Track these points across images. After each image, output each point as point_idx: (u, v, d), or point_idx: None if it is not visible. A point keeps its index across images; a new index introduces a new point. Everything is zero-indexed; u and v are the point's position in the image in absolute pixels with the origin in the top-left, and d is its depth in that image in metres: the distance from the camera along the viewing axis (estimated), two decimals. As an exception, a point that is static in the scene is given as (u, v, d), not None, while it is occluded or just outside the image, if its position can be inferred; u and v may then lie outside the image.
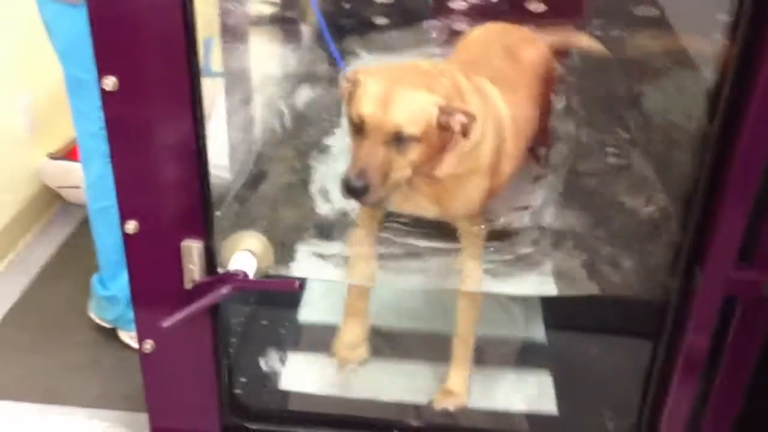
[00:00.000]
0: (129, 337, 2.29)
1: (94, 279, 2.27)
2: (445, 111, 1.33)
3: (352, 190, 1.29)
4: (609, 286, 1.51)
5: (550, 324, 1.87)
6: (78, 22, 1.93)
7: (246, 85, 2.06)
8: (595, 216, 1.66)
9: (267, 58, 2.27)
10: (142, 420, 2.02)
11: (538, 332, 1.86)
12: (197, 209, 1.27)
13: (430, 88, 1.35)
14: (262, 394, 1.70)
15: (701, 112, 1.16)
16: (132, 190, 1.27)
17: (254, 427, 1.50)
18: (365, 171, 1.28)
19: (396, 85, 1.32)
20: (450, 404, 1.65)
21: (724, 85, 1.08)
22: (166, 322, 1.26)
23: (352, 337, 1.70)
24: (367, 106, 1.31)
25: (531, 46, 1.83)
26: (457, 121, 1.34)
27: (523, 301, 1.91)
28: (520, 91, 1.69)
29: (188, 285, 1.31)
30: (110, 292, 2.22)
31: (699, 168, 1.15)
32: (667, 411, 1.33)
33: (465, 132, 1.35)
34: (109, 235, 2.16)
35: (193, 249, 1.28)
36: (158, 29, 1.14)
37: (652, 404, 1.37)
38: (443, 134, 1.35)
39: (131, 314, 2.20)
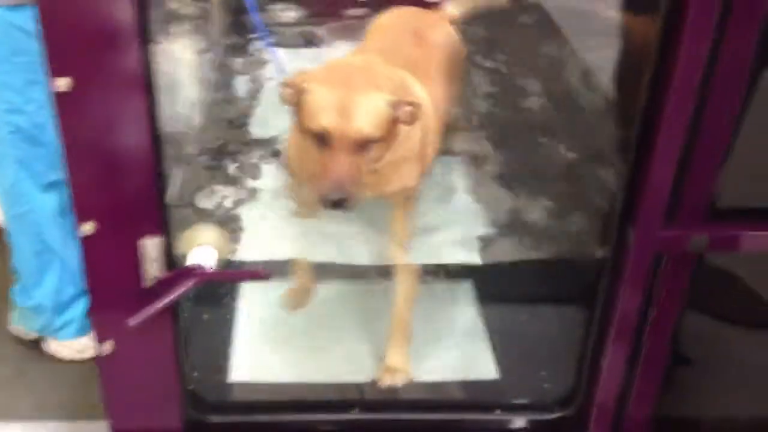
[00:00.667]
0: (58, 345, 2.22)
1: (15, 291, 2.19)
2: (395, 105, 1.39)
3: (334, 204, 1.32)
4: (548, 250, 1.63)
5: (489, 294, 1.96)
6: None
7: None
8: (528, 184, 1.79)
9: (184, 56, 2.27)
10: (82, 429, 2.01)
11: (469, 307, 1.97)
12: (154, 206, 1.28)
13: (377, 86, 1.40)
14: (215, 388, 1.71)
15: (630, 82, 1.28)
16: (88, 192, 1.26)
17: (215, 420, 1.53)
18: (341, 183, 1.32)
19: (349, 92, 1.36)
20: (396, 380, 1.73)
21: (651, 57, 1.20)
22: (133, 320, 1.27)
23: (299, 285, 1.81)
24: (328, 118, 1.34)
25: (438, 28, 1.94)
26: (406, 111, 1.41)
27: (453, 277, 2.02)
28: (433, 75, 1.78)
29: (149, 282, 1.32)
30: (35, 301, 2.15)
31: (628, 135, 1.27)
32: (603, 371, 1.46)
33: (412, 120, 1.42)
34: (27, 242, 2.10)
35: (151, 245, 1.29)
36: (111, 27, 1.14)
37: (590, 365, 1.49)
38: (395, 127, 1.42)
39: (58, 322, 2.18)
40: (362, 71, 1.47)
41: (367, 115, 1.35)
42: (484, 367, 1.79)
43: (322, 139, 1.36)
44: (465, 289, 1.97)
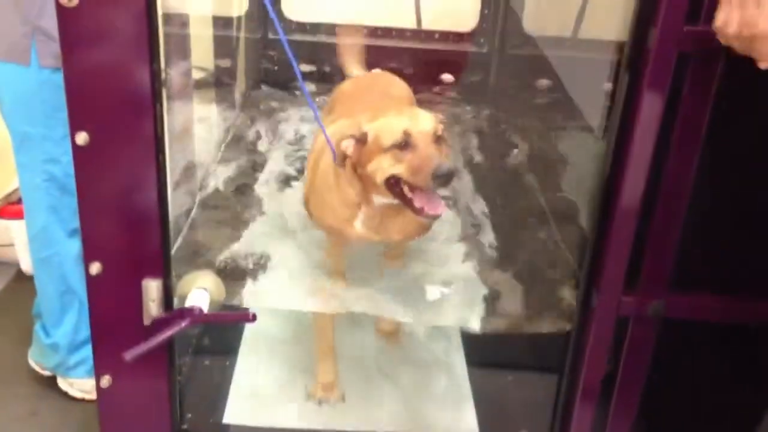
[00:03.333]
0: (68, 384, 2.34)
1: (37, 327, 2.32)
2: (437, 119, 1.61)
3: (446, 173, 1.46)
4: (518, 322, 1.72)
5: (471, 360, 2.05)
6: (28, 81, 2.06)
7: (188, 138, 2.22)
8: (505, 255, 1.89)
9: (203, 116, 2.44)
10: (87, 467, 2.09)
11: (459, 368, 2.04)
12: (157, 249, 1.40)
13: (422, 110, 1.65)
14: (208, 428, 1.80)
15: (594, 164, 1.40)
16: (97, 235, 1.39)
17: (205, 456, 1.62)
18: (441, 162, 1.48)
19: (406, 111, 1.63)
20: (330, 396, 1.87)
21: (609, 144, 1.32)
22: (129, 355, 1.37)
23: (328, 377, 1.89)
24: (406, 125, 1.54)
25: (396, 84, 2.14)
26: (442, 127, 1.61)
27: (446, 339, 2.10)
28: None
29: (147, 321, 1.43)
30: (53, 340, 2.28)
31: (590, 213, 1.38)
32: (573, 428, 1.52)
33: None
34: (51, 283, 2.24)
35: (152, 287, 1.41)
36: (127, 90, 1.29)
37: (562, 422, 1.56)
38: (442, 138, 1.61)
39: (71, 361, 2.30)
40: (392, 107, 1.71)
41: (427, 117, 1.59)
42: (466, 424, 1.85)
43: (407, 144, 1.53)
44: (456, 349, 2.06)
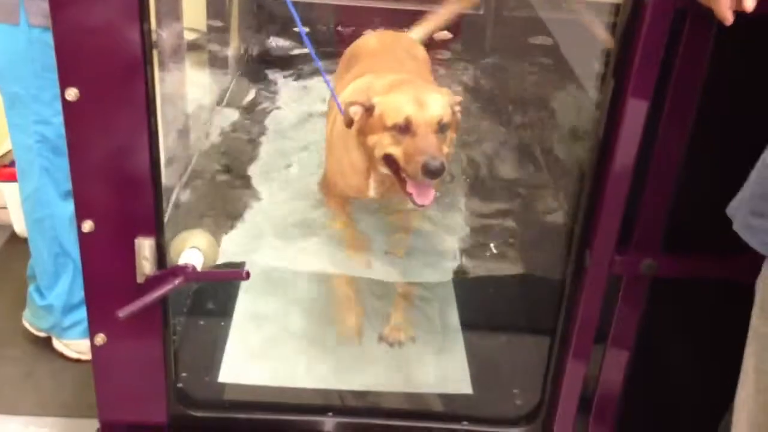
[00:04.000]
0: (63, 345, 2.35)
1: (32, 289, 2.32)
2: (451, 101, 1.62)
3: (435, 169, 1.48)
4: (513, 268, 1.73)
5: (467, 319, 2.07)
6: (17, 41, 2.04)
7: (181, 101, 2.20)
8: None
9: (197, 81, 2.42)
10: (80, 426, 2.11)
11: (454, 329, 2.06)
12: (150, 208, 1.40)
13: (437, 89, 1.66)
14: (203, 386, 1.81)
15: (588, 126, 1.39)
16: (89, 193, 1.39)
17: (199, 414, 1.62)
18: (435, 154, 1.50)
19: (417, 91, 1.59)
20: (401, 337, 1.88)
21: (603, 105, 1.31)
22: (122, 312, 1.37)
23: (352, 322, 1.90)
24: (410, 109, 1.55)
25: (414, 45, 2.14)
26: (456, 109, 1.63)
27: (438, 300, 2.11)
28: (427, 79, 2.01)
29: (141, 279, 1.43)
30: (47, 301, 2.28)
31: (584, 171, 1.38)
32: (563, 387, 1.54)
33: (459, 116, 1.66)
34: (45, 245, 2.23)
35: (145, 245, 1.41)
36: (116, 45, 1.27)
37: (552, 382, 1.58)
38: (454, 118, 1.64)
39: (66, 322, 2.31)
40: (411, 82, 1.70)
41: (437, 103, 1.58)
42: (460, 382, 1.87)
43: (406, 130, 1.55)
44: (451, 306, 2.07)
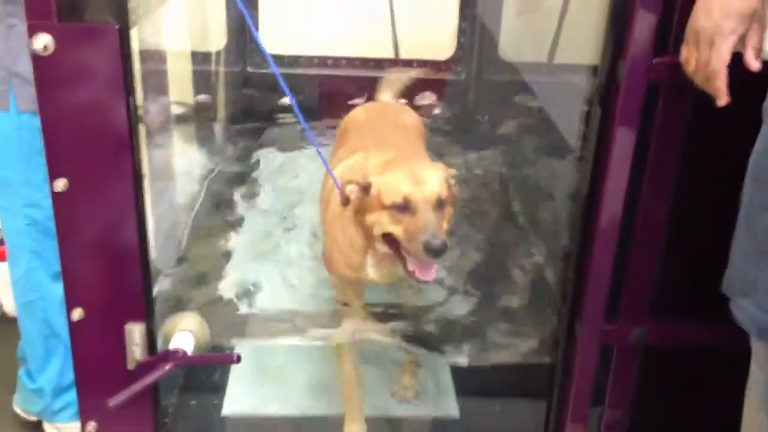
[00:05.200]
0: (55, 429, 2.31)
1: (22, 372, 2.30)
2: (446, 176, 1.62)
3: (437, 250, 1.48)
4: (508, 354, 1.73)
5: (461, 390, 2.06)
6: (7, 126, 2.06)
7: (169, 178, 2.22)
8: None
9: (185, 154, 2.45)
10: None
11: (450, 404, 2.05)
12: (139, 294, 1.40)
13: (433, 164, 1.66)
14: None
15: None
16: (78, 281, 1.39)
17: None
18: (436, 233, 1.49)
19: (414, 168, 1.60)
20: (409, 395, 1.95)
21: (584, 175, 1.34)
22: (113, 401, 1.36)
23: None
24: (408, 188, 1.55)
25: (405, 113, 2.15)
26: (452, 183, 1.63)
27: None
28: (422, 153, 2.01)
29: (131, 365, 1.42)
30: (37, 385, 2.25)
31: (570, 247, 1.40)
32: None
33: (455, 188, 1.66)
34: (35, 327, 2.22)
35: (135, 331, 1.40)
36: (104, 133, 1.29)
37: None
38: (450, 193, 1.63)
39: (57, 405, 2.28)
40: (406, 158, 1.71)
41: (435, 179, 1.58)
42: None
43: (405, 208, 1.55)
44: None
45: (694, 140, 1.31)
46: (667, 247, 1.33)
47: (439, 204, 1.56)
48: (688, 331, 1.40)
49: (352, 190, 1.63)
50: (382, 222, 1.58)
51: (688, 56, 1.16)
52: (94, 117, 1.28)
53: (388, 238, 1.59)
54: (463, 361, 1.75)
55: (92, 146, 1.29)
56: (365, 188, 1.61)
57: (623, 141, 1.27)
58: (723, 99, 1.15)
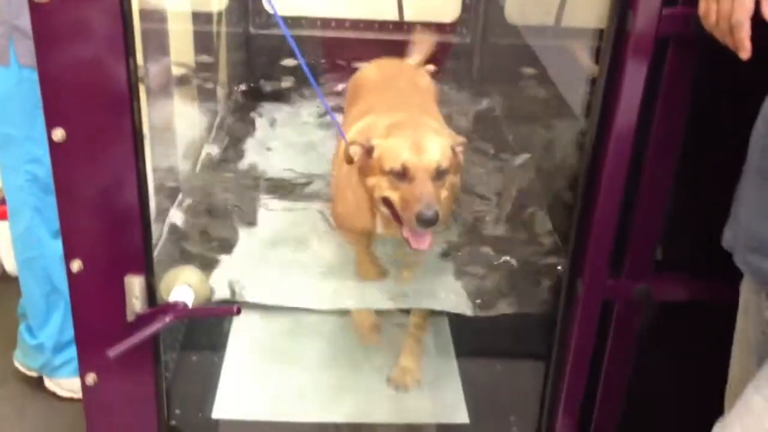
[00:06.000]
0: (55, 384, 2.32)
1: (22, 328, 2.31)
2: (452, 146, 1.60)
3: (428, 219, 1.46)
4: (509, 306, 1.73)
5: (462, 349, 2.06)
6: (8, 81, 2.04)
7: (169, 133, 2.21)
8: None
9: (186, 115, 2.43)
10: (73, 465, 2.08)
11: (449, 358, 2.05)
12: (139, 246, 1.39)
13: (436, 132, 1.63)
14: (196, 423, 1.79)
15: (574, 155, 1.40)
16: (77, 232, 1.38)
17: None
18: (430, 203, 1.48)
19: (417, 135, 1.57)
20: (407, 381, 1.88)
21: (590, 131, 1.32)
22: (112, 352, 1.36)
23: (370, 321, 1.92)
24: (407, 155, 1.53)
25: (418, 74, 2.13)
26: (459, 151, 1.61)
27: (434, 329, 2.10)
28: (434, 113, 1.97)
29: (131, 318, 1.42)
30: (38, 341, 2.27)
31: (573, 203, 1.39)
32: (560, 413, 1.53)
33: (462, 157, 1.64)
34: (36, 284, 2.22)
35: (135, 283, 1.40)
36: (103, 86, 1.27)
37: (549, 408, 1.57)
38: (456, 162, 1.61)
39: (57, 361, 2.29)
40: (412, 123, 1.68)
41: (436, 148, 1.55)
42: (457, 410, 1.86)
43: (403, 175, 1.53)
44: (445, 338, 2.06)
45: (702, 95, 1.29)
46: (672, 202, 1.31)
47: (439, 173, 1.54)
48: (691, 287, 1.39)
49: (356, 151, 1.62)
50: (382, 186, 1.58)
51: (708, 9, 1.13)
52: (93, 72, 1.26)
53: (387, 203, 1.59)
54: (468, 311, 1.72)
55: (91, 100, 1.28)
56: (368, 151, 1.60)
57: (631, 94, 1.25)
58: (747, 52, 1.13)
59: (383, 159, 1.56)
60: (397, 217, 1.58)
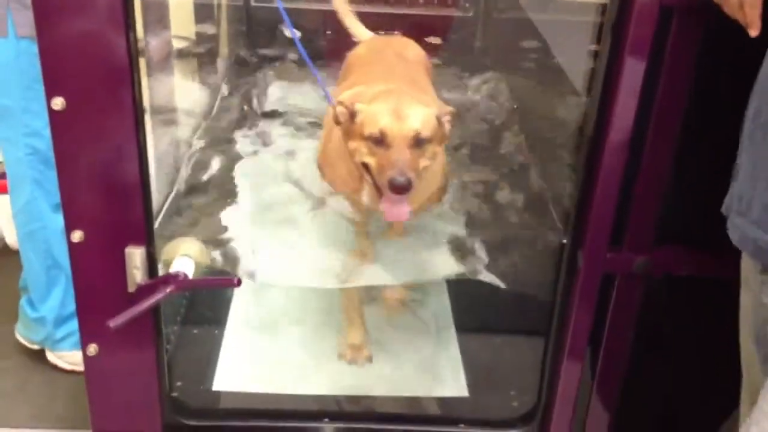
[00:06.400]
0: (56, 357, 2.34)
1: (23, 301, 2.31)
2: (438, 115, 1.59)
3: (399, 185, 1.46)
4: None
5: (462, 325, 2.07)
6: (6, 52, 2.03)
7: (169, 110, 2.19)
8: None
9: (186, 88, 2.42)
10: (76, 438, 2.10)
11: (449, 333, 2.05)
12: (140, 217, 1.39)
13: (421, 101, 1.62)
14: (198, 395, 1.80)
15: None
16: (78, 202, 1.38)
17: (193, 423, 1.61)
18: (404, 169, 1.47)
19: (400, 102, 1.57)
20: (359, 357, 1.89)
21: (593, 104, 1.31)
22: (113, 322, 1.36)
23: (357, 339, 1.92)
24: (385, 121, 1.53)
25: (410, 48, 2.14)
26: (446, 120, 1.60)
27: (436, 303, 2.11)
28: (426, 88, 1.97)
29: (132, 288, 1.42)
30: (39, 314, 2.27)
31: (575, 177, 1.38)
32: (559, 389, 1.53)
33: (450, 126, 1.63)
34: (37, 257, 2.22)
35: (136, 254, 1.40)
36: (102, 54, 1.27)
37: (549, 382, 1.57)
38: (441, 133, 1.60)
39: (58, 334, 2.30)
40: (398, 92, 1.67)
41: (417, 116, 1.55)
42: (456, 384, 1.86)
43: (381, 141, 1.53)
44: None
45: (706, 67, 1.27)
46: (674, 174, 1.31)
47: (417, 142, 1.53)
48: (691, 261, 1.39)
49: (342, 112, 1.62)
50: (361, 151, 1.58)
51: None
52: (93, 42, 1.25)
53: (366, 168, 1.59)
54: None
55: (90, 70, 1.27)
56: (352, 114, 1.60)
57: (634, 66, 1.24)
58: (756, 28, 1.11)
59: (364, 124, 1.56)
60: (376, 185, 1.57)
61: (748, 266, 1.18)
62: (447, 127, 1.63)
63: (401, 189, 1.46)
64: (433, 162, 1.63)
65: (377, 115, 1.55)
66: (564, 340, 1.47)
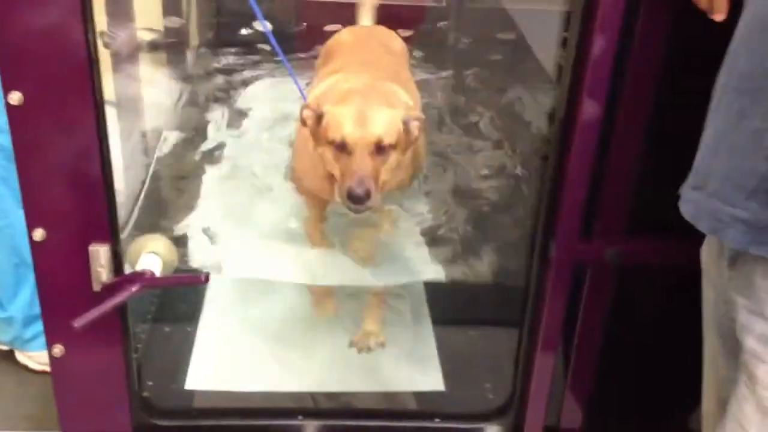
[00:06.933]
0: (26, 357, 2.29)
1: (-10, 303, 2.27)
2: (406, 120, 1.55)
3: (356, 197, 1.43)
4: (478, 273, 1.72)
5: (437, 318, 2.06)
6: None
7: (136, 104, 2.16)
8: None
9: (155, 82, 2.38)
10: (47, 438, 2.06)
11: (425, 326, 2.04)
12: (103, 214, 1.36)
13: (389, 104, 1.58)
14: (169, 394, 1.78)
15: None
16: (38, 200, 1.34)
17: (164, 423, 1.59)
18: (362, 180, 1.44)
19: (365, 107, 1.52)
20: (371, 343, 1.83)
21: (562, 94, 1.30)
22: (78, 322, 1.33)
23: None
24: (348, 128, 1.49)
25: (393, 38, 2.12)
26: (414, 126, 1.56)
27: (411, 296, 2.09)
28: (406, 77, 1.96)
29: (97, 287, 1.39)
30: (8, 314, 2.22)
31: (545, 167, 1.37)
32: (533, 381, 1.52)
33: (419, 132, 1.59)
34: (4, 256, 2.17)
35: (100, 252, 1.37)
36: (60, 46, 1.23)
37: (523, 374, 1.56)
38: (407, 138, 1.57)
39: (28, 334, 2.25)
40: (366, 92, 1.63)
41: (381, 123, 1.51)
42: (432, 378, 1.85)
43: (343, 148, 1.50)
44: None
45: (675, 55, 1.26)
46: (645, 163, 1.30)
47: (379, 149, 1.50)
48: (662, 250, 1.38)
49: (308, 116, 1.58)
50: (326, 156, 1.55)
51: None
52: (50, 34, 1.22)
53: (332, 177, 1.57)
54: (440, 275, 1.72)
55: (48, 63, 1.24)
56: (319, 117, 1.56)
57: (602, 53, 1.22)
58: (723, 13, 1.10)
59: (328, 128, 1.53)
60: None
61: (708, 257, 1.16)
62: (414, 132, 1.59)
63: (359, 200, 1.44)
64: (398, 169, 1.59)
65: (340, 120, 1.51)
66: (537, 331, 1.46)
